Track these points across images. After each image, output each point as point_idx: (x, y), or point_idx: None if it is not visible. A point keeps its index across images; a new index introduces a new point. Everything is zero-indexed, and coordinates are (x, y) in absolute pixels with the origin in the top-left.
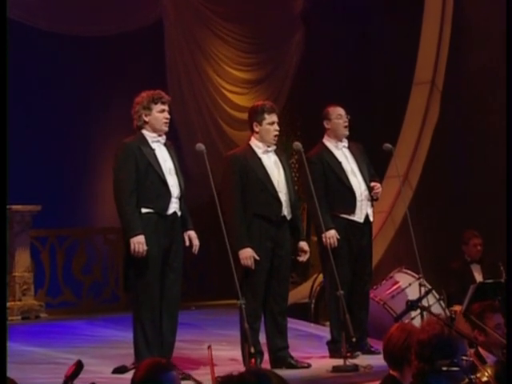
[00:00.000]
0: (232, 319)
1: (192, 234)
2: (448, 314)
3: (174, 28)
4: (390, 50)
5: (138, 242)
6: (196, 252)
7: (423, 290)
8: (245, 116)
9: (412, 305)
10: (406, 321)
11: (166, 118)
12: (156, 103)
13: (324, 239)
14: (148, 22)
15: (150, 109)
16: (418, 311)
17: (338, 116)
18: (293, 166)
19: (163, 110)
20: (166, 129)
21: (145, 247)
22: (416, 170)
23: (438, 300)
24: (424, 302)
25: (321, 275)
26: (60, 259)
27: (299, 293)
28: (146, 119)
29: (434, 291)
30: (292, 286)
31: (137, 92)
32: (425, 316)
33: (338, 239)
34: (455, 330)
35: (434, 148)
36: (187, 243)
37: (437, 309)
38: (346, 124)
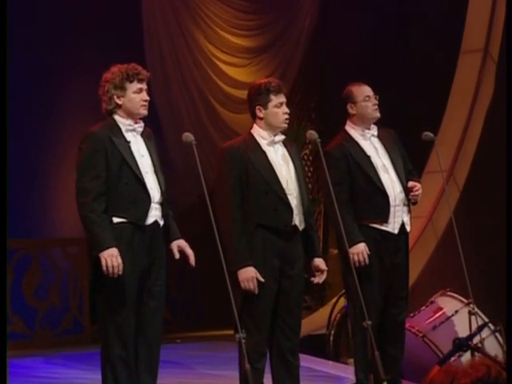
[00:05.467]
0: (228, 356)
1: (182, 242)
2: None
3: None
4: (430, 9)
5: (110, 256)
6: (193, 263)
7: (474, 321)
8: (243, 94)
9: (461, 344)
10: (452, 359)
11: (145, 100)
12: (131, 81)
13: (351, 256)
14: None
15: (123, 88)
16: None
17: (366, 97)
18: (306, 158)
19: (141, 90)
20: (145, 113)
21: (119, 260)
22: (464, 163)
23: (494, 332)
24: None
25: (342, 299)
26: (7, 279)
27: (314, 322)
28: (119, 102)
29: (490, 324)
30: (305, 313)
31: (105, 65)
32: (476, 357)
33: (368, 255)
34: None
35: (487, 135)
36: (177, 256)
37: (492, 344)
38: (376, 106)
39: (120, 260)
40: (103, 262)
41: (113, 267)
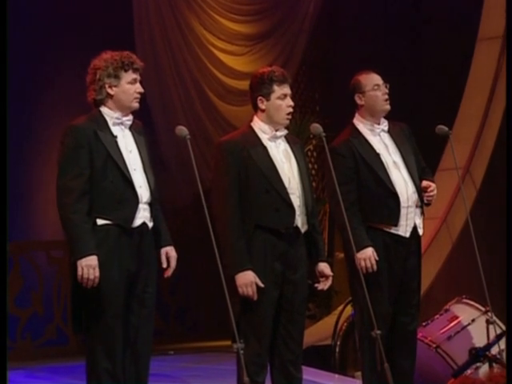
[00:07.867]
0: (226, 368)
1: (171, 251)
2: None
3: None
4: None
5: (88, 266)
6: (168, 275)
7: (493, 331)
8: (242, 85)
9: (477, 354)
10: (468, 372)
11: (139, 92)
12: (126, 70)
13: (357, 261)
14: None
15: (117, 77)
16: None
17: (375, 86)
18: (309, 154)
19: (135, 80)
20: (137, 106)
21: (97, 273)
22: (481, 159)
23: None
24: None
25: (349, 307)
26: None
27: (319, 331)
28: (111, 92)
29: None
30: (308, 322)
31: (91, 54)
32: (495, 369)
33: (376, 261)
34: None
35: (507, 129)
36: (164, 264)
37: None
38: (387, 96)
39: (98, 272)
40: (79, 272)
41: (88, 280)
